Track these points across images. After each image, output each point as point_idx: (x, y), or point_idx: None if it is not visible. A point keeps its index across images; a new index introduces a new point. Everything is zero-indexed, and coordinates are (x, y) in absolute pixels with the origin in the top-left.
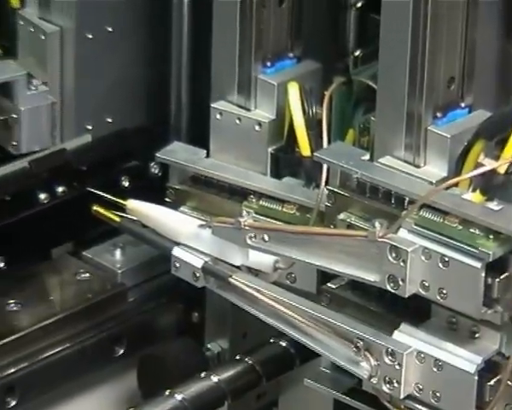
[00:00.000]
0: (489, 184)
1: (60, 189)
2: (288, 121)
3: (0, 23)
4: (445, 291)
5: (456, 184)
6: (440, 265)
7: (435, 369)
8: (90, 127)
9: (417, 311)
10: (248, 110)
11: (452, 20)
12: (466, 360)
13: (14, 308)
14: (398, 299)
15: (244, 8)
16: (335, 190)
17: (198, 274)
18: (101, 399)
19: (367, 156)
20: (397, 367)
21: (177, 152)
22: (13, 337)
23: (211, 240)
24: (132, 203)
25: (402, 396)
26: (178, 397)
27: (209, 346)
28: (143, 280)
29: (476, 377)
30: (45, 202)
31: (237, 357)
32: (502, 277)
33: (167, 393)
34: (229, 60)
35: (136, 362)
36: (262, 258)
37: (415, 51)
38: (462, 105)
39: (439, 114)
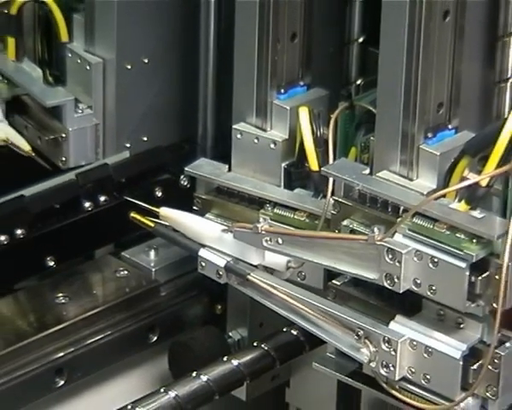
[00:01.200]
0: (473, 196)
1: (102, 198)
2: (298, 140)
3: (51, 55)
4: (434, 288)
5: (444, 195)
6: (430, 265)
7: (426, 355)
8: (128, 145)
9: (410, 304)
10: (265, 131)
11: (441, 54)
12: (452, 347)
13: (63, 301)
14: (394, 294)
15: (261, 43)
16: (340, 199)
17: (221, 272)
18: (137, 379)
19: (367, 171)
20: (392, 353)
21: (203, 167)
22: (61, 326)
23: (232, 243)
24: (164, 211)
25: (397, 378)
26: (204, 378)
27: (230, 334)
28: (174, 277)
29: (461, 362)
30: (89, 209)
31: (255, 344)
32: (483, 275)
33: (194, 374)
34: (248, 87)
35: (167, 348)
36: (276, 258)
37: (408, 80)
38: (450, 127)
39: (429, 135)
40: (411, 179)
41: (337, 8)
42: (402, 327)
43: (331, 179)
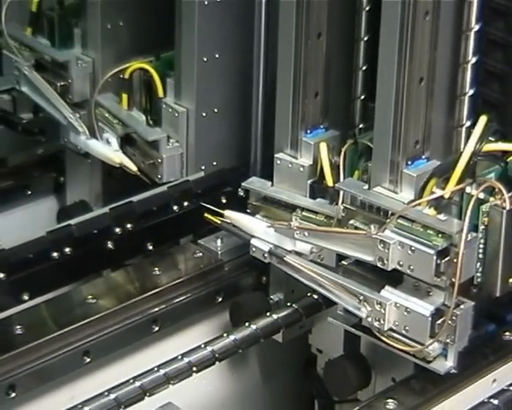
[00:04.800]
0: (439, 205)
1: (185, 203)
2: (319, 165)
3: (152, 106)
4: (412, 267)
5: (419, 204)
6: (409, 252)
7: (405, 313)
8: (203, 168)
9: (395, 278)
10: (296, 158)
11: (417, 108)
12: (424, 308)
13: (158, 273)
14: (384, 271)
15: (295, 98)
16: (347, 206)
17: (266, 255)
18: (208, 327)
19: (366, 187)
20: (383, 312)
21: (254, 183)
22: (156, 290)
23: (274, 235)
24: (228, 213)
25: (385, 329)
26: (253, 327)
27: (272, 297)
28: (233, 258)
29: (430, 319)
30: (176, 211)
31: (288, 304)
32: (446, 259)
33: (247, 324)
34: (285, 128)
35: (228, 306)
36: (303, 246)
37: (395, 125)
38: (423, 157)
39: (409, 162)
40: (396, 193)
41: (346, 74)
42: (389, 294)
43: (341, 192)
